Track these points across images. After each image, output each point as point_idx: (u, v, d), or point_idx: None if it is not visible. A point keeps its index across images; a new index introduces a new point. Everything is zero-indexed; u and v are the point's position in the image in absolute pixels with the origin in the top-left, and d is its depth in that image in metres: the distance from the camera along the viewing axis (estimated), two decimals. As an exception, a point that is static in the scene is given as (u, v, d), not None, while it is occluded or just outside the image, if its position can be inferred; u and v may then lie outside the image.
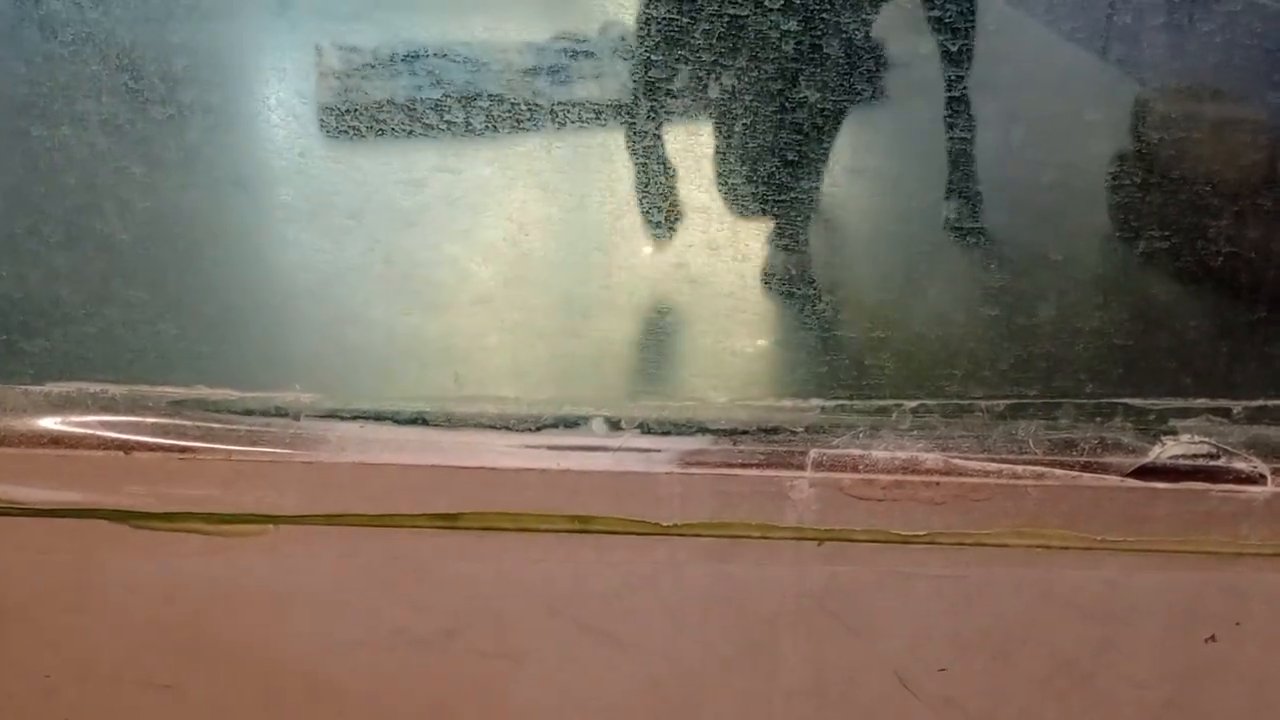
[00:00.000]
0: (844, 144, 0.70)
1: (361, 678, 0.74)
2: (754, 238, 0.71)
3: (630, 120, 0.69)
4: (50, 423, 0.69)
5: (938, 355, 0.72)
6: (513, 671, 0.74)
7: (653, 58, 0.66)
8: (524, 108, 0.68)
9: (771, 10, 0.65)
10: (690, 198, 0.70)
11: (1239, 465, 0.69)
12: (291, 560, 0.71)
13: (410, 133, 0.68)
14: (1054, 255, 0.71)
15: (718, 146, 0.69)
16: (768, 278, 0.71)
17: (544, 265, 0.72)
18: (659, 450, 0.70)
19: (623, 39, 0.68)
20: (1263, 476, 0.69)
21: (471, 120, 0.68)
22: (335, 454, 0.69)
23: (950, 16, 0.66)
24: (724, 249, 0.70)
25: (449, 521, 0.70)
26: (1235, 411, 0.71)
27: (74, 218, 0.70)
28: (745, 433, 0.70)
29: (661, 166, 0.69)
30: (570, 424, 0.71)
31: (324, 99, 0.69)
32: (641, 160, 0.69)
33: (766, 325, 0.72)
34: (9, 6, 0.66)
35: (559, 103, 0.68)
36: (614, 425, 0.71)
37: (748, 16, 0.65)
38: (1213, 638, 0.72)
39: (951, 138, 0.70)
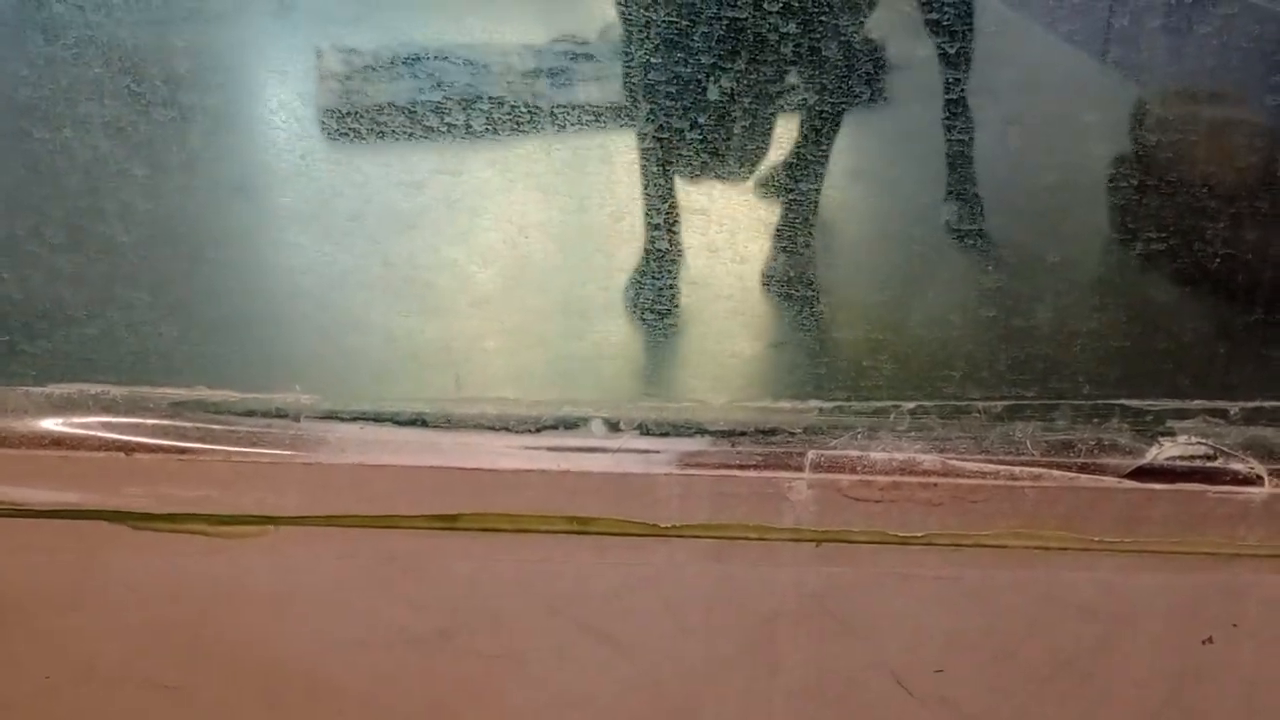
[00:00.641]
0: (844, 146, 0.70)
1: (361, 678, 0.74)
2: (753, 240, 0.71)
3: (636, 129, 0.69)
4: (51, 424, 0.70)
5: (936, 357, 0.72)
6: (512, 672, 0.74)
7: (651, 60, 0.66)
8: (524, 110, 0.68)
9: (770, 13, 0.65)
10: (688, 201, 0.70)
11: (1236, 466, 0.70)
12: (291, 561, 0.71)
13: (410, 135, 0.69)
14: (1052, 257, 0.71)
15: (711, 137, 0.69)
16: (767, 280, 0.71)
17: (544, 267, 0.72)
18: (658, 451, 0.70)
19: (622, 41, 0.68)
20: (1260, 478, 0.69)
21: (471, 123, 0.68)
22: (335, 455, 0.70)
23: (947, 19, 0.66)
24: (722, 251, 0.70)
25: (448, 522, 0.70)
26: (1232, 413, 0.71)
27: (75, 220, 0.70)
28: (743, 434, 0.71)
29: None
30: (569, 425, 0.71)
31: (324, 102, 0.69)
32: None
33: (765, 327, 0.73)
34: (12, 9, 0.66)
35: (559, 105, 0.68)
36: (613, 427, 0.71)
37: (746, 19, 0.66)
38: (1210, 639, 0.73)
39: (950, 140, 0.70)
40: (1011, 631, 0.73)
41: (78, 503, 0.70)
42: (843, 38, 0.66)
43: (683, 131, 0.68)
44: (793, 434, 0.71)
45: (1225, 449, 0.70)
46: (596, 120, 0.69)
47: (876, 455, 0.70)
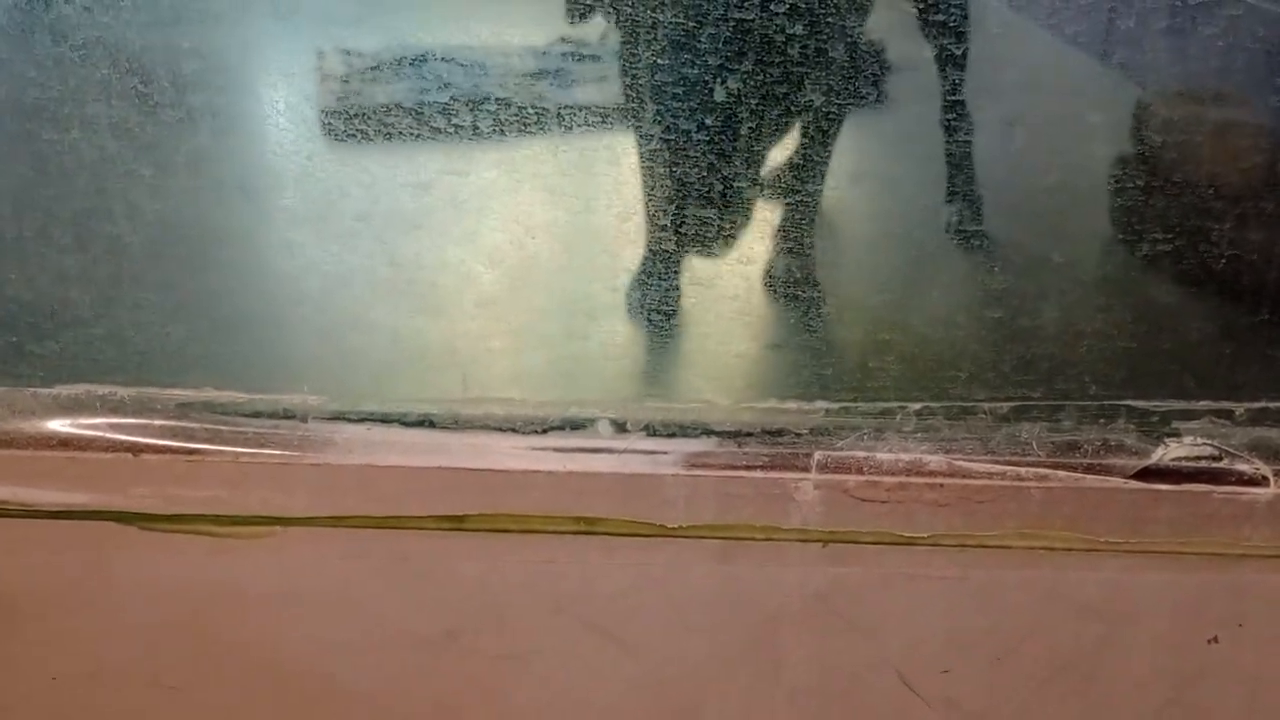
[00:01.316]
0: (846, 147, 0.70)
1: (368, 678, 0.74)
2: (757, 241, 0.71)
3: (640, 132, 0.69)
4: (59, 425, 0.70)
5: (941, 358, 0.72)
6: (518, 672, 0.74)
7: (658, 62, 0.66)
8: (530, 111, 0.68)
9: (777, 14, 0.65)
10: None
11: (1241, 467, 0.70)
12: (298, 561, 0.71)
13: (416, 136, 0.69)
14: (1057, 258, 0.71)
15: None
16: (771, 280, 0.72)
17: (550, 268, 0.72)
18: (664, 452, 0.70)
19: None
20: (1265, 478, 0.69)
21: (477, 124, 0.68)
22: (342, 456, 0.70)
23: (946, 21, 0.66)
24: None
25: (456, 523, 0.70)
26: (1238, 413, 0.71)
27: (82, 221, 0.70)
28: (750, 435, 0.71)
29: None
30: (576, 426, 0.71)
31: (326, 103, 0.69)
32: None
33: (771, 328, 0.73)
34: (21, 11, 0.66)
35: (564, 106, 0.69)
36: (620, 427, 0.71)
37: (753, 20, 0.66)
38: (1215, 639, 0.73)
39: (951, 142, 0.71)
40: (1017, 631, 0.73)
41: (85, 503, 0.70)
42: (847, 40, 0.67)
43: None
44: (799, 435, 0.71)
45: (1230, 450, 0.70)
46: (602, 121, 0.69)
47: (883, 456, 0.70)
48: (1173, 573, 0.71)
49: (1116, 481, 0.69)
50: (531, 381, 0.72)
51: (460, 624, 0.73)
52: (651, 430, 0.71)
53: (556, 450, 0.70)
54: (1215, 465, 0.70)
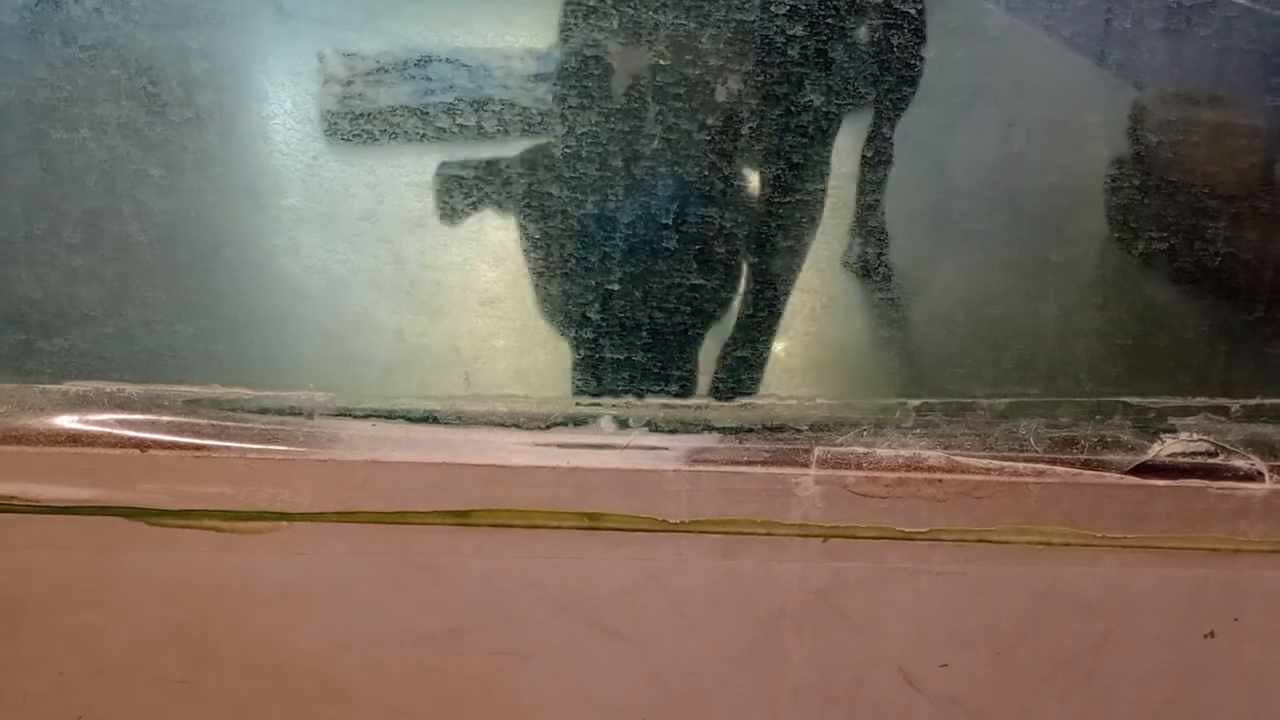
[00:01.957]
0: (846, 146, 0.71)
1: (372, 673, 0.75)
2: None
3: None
4: (68, 421, 0.70)
5: (941, 355, 0.73)
6: (522, 667, 0.75)
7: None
8: (535, 113, 0.69)
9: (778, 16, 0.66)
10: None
11: (1237, 463, 0.70)
12: (304, 557, 0.72)
13: (420, 137, 0.69)
14: (1054, 257, 0.72)
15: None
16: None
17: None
18: (667, 448, 0.71)
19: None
20: (1261, 474, 0.70)
21: (481, 124, 0.69)
22: (348, 452, 0.70)
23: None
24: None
25: (460, 518, 0.71)
26: (1233, 410, 0.71)
27: (90, 220, 0.70)
28: (751, 431, 0.71)
29: None
30: (579, 422, 0.72)
31: (327, 105, 0.70)
32: None
33: (775, 325, 0.73)
34: (31, 13, 0.67)
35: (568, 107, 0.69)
36: (622, 424, 0.72)
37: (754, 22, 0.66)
38: (1212, 633, 0.73)
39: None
40: (1015, 626, 0.73)
41: (93, 499, 0.70)
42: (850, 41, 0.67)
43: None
44: (799, 431, 0.71)
45: (1226, 446, 0.71)
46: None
47: (882, 452, 0.71)
48: (1170, 568, 0.71)
49: (1113, 477, 0.70)
50: (534, 378, 0.73)
51: (464, 619, 0.74)
52: (654, 426, 0.72)
53: (560, 446, 0.71)
54: (1211, 461, 0.70)
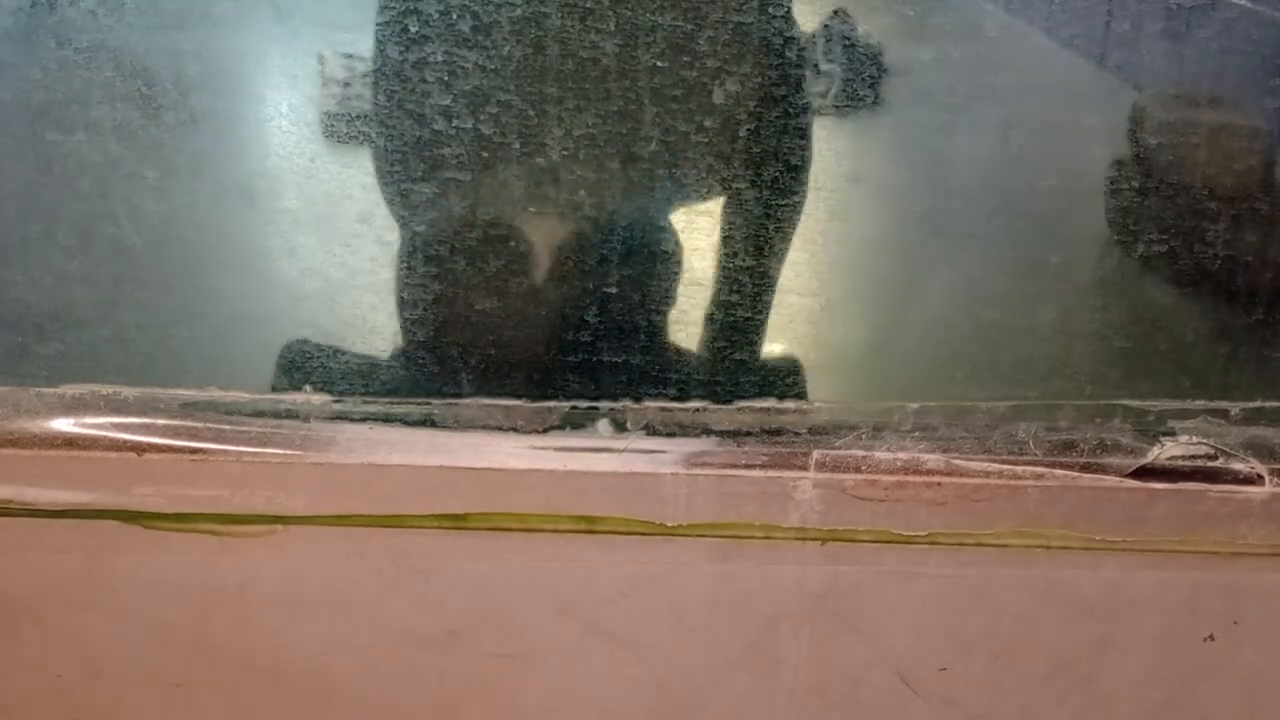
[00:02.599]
0: (843, 150, 0.70)
1: (369, 677, 0.75)
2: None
3: None
4: (63, 424, 0.70)
5: (939, 357, 0.73)
6: (519, 671, 0.75)
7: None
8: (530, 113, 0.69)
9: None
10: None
11: (1237, 466, 0.70)
12: (300, 560, 0.72)
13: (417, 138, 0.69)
14: (1054, 259, 0.72)
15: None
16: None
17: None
18: (664, 451, 0.71)
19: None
20: (1260, 477, 0.70)
21: (478, 125, 0.69)
22: (344, 455, 0.70)
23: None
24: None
25: (456, 522, 0.71)
26: (1233, 413, 0.71)
27: (86, 222, 0.70)
28: (749, 434, 0.71)
29: None
30: (576, 425, 0.72)
31: (326, 106, 0.70)
32: None
33: (774, 328, 0.73)
34: (26, 15, 0.67)
35: (565, 107, 0.69)
36: (620, 427, 0.72)
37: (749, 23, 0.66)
38: (1211, 637, 0.73)
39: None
40: (1014, 630, 0.73)
41: (89, 503, 0.70)
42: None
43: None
44: (798, 434, 0.71)
45: (1226, 449, 0.70)
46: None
47: (881, 455, 0.70)
48: (1169, 571, 0.71)
49: (1113, 480, 0.70)
50: (532, 381, 0.73)
51: (461, 623, 0.74)
52: (651, 429, 0.71)
53: (557, 450, 0.71)
54: (1211, 464, 0.70)
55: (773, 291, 0.72)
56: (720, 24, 0.66)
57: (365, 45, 0.69)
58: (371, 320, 0.72)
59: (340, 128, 0.70)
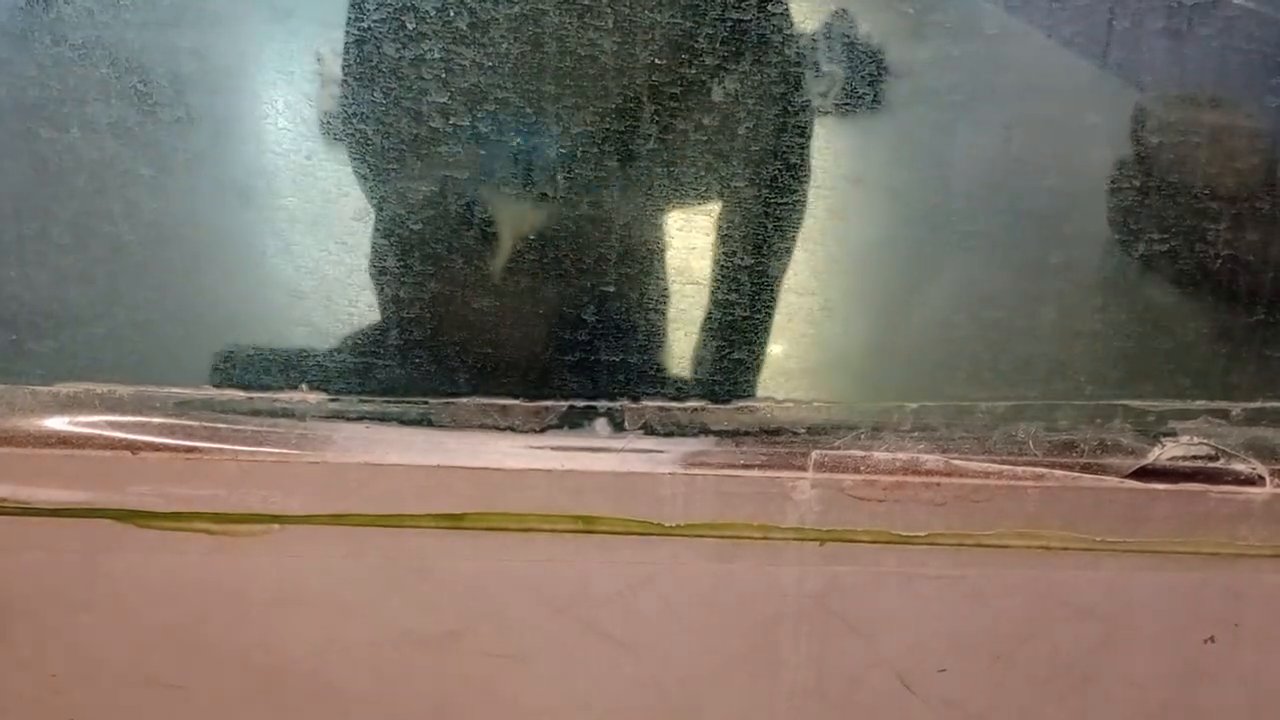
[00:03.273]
0: (844, 150, 0.70)
1: (366, 677, 0.75)
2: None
3: None
4: (58, 423, 0.70)
5: (939, 357, 0.73)
6: (516, 671, 0.74)
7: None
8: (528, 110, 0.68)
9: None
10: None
11: (1238, 467, 0.70)
12: (297, 560, 0.72)
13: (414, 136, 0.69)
14: (1054, 259, 0.72)
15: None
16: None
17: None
18: (662, 451, 0.71)
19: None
20: (1261, 478, 0.70)
21: (475, 124, 0.68)
22: (341, 454, 0.70)
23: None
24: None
25: (454, 521, 0.70)
26: (1234, 413, 0.71)
27: (81, 220, 0.70)
28: (747, 434, 0.71)
29: None
30: (574, 425, 0.71)
31: (326, 105, 0.69)
32: None
33: (769, 327, 0.73)
34: (22, 11, 0.66)
35: (563, 105, 0.69)
36: (618, 426, 0.71)
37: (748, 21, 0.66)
38: (1211, 638, 0.73)
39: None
40: (1014, 631, 0.73)
41: (84, 501, 0.70)
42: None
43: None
44: (796, 434, 0.71)
45: (1227, 449, 0.70)
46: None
47: (880, 455, 0.70)
48: (1169, 572, 0.71)
49: (1113, 481, 0.70)
50: (530, 380, 0.72)
51: (458, 622, 0.73)
52: (649, 429, 0.71)
53: (555, 449, 0.71)
54: (1211, 465, 0.70)
55: (773, 291, 0.71)
56: (706, 20, 0.66)
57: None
58: (367, 319, 0.72)
59: (338, 126, 0.69)
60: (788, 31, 0.67)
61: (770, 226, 0.70)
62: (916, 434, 0.71)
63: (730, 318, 0.71)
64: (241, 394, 0.71)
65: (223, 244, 0.73)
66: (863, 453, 0.70)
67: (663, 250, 0.71)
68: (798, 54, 0.68)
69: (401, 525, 0.70)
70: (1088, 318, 0.72)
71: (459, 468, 0.70)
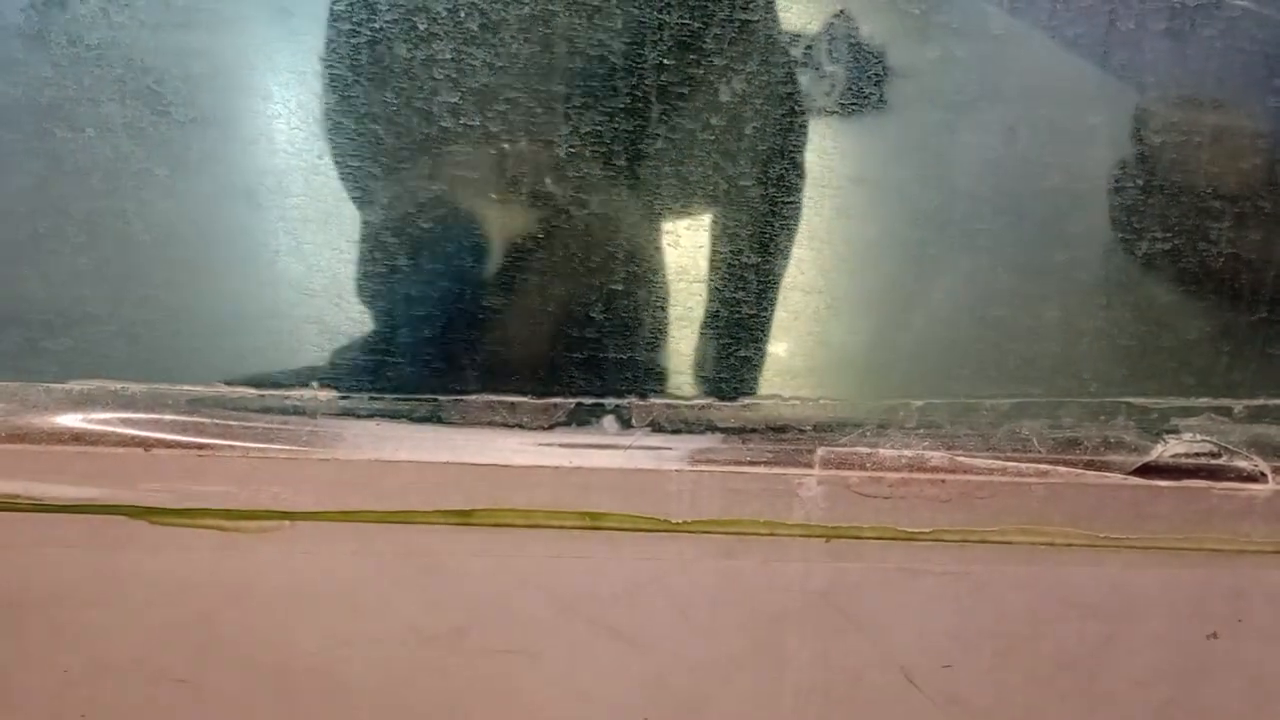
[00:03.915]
0: (846, 150, 0.71)
1: (375, 673, 0.75)
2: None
3: None
4: (71, 420, 0.70)
5: (944, 355, 0.73)
6: (524, 667, 0.75)
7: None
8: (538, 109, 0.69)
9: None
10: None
11: (1240, 464, 0.70)
12: (307, 556, 0.72)
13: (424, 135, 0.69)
14: (1057, 258, 0.72)
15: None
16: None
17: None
18: (669, 448, 0.71)
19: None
20: (1264, 475, 0.70)
21: (484, 123, 0.69)
22: (350, 451, 0.70)
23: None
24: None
25: (462, 518, 0.71)
26: (1236, 411, 0.71)
27: (94, 219, 0.71)
28: (754, 431, 0.71)
29: None
30: (582, 422, 0.72)
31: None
32: None
33: (775, 325, 0.73)
34: (33, 14, 0.67)
35: (570, 107, 0.69)
36: (625, 423, 0.72)
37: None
38: (1215, 634, 0.73)
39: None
40: (1018, 627, 0.73)
41: (97, 498, 0.70)
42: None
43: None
44: (803, 431, 0.71)
45: (1230, 447, 0.71)
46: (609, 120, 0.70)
47: (885, 452, 0.71)
48: (1172, 569, 0.71)
49: (1116, 478, 0.70)
50: (537, 377, 0.73)
51: (466, 619, 0.74)
52: (656, 426, 0.72)
53: (562, 446, 0.71)
54: (1214, 462, 0.70)
55: (776, 289, 0.72)
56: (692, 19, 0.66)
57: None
58: (378, 316, 0.72)
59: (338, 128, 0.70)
60: (776, 34, 0.68)
61: (766, 226, 0.70)
62: (921, 431, 0.71)
63: (730, 316, 0.72)
64: (253, 391, 0.72)
65: (234, 242, 0.73)
66: (868, 450, 0.71)
67: (662, 250, 0.71)
68: (787, 57, 0.68)
69: (411, 522, 0.71)
70: (1091, 316, 0.72)
71: (468, 464, 0.70)
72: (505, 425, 0.72)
